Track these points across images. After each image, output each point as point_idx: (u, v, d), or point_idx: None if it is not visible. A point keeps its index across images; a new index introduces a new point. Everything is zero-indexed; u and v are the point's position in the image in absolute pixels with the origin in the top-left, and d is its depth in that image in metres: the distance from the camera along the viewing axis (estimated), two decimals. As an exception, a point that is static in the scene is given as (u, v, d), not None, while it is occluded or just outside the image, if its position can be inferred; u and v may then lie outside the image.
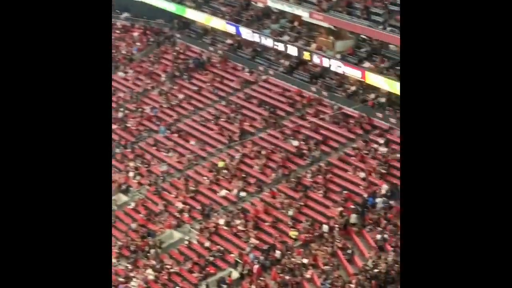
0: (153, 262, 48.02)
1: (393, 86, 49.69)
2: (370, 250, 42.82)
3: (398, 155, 48.25)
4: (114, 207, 52.25)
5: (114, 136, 59.21)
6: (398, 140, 49.39)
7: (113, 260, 48.24)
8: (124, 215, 52.27)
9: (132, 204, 53.03)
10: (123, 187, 54.74)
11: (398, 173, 46.82)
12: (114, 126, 60.03)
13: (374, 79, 51.35)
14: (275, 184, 49.81)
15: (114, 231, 50.72)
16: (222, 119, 56.93)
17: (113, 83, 65.07)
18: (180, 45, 67.37)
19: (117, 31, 71.63)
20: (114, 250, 49.27)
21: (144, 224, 50.73)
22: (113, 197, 53.38)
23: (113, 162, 56.59)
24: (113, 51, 68.23)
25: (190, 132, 57.53)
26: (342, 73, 53.81)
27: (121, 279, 47.89)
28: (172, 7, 66.76)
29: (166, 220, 50.54)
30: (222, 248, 47.03)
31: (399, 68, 50.93)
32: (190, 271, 46.90)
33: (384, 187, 46.02)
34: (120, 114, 61.15)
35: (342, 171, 49.00)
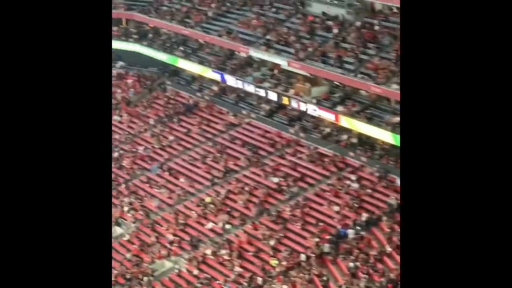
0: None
1: (363, 128, 50.10)
2: (344, 277, 42.80)
3: (369, 191, 48.65)
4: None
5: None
6: (369, 177, 49.76)
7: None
8: (119, 246, 51.82)
9: (127, 236, 52.63)
10: (119, 220, 54.40)
11: (369, 207, 47.22)
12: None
13: (347, 122, 51.66)
14: (257, 218, 49.66)
15: None
16: (209, 159, 56.77)
17: None
18: (170, 91, 67.37)
19: (113, 78, 71.62)
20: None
21: (137, 254, 50.37)
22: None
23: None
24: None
25: (180, 171, 57.28)
26: (318, 116, 53.98)
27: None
28: (163, 57, 67.10)
29: (158, 251, 50.19)
30: (209, 276, 46.73)
31: (369, 111, 51.49)
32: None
33: (357, 219, 46.20)
34: (116, 154, 61.03)
35: (318, 205, 48.71)
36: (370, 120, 50.62)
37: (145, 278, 48.35)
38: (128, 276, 49.10)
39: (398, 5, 50.94)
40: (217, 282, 46.27)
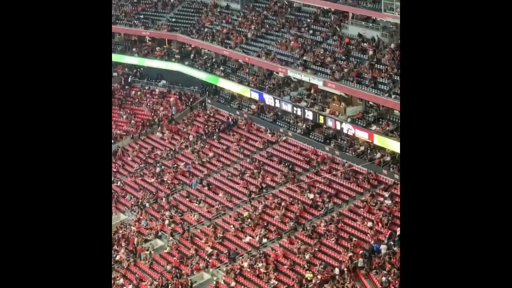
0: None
1: (396, 147, 50.08)
2: None
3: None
4: (151, 251, 52.74)
5: (151, 189, 59.78)
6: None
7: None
8: (160, 258, 52.08)
9: (167, 249, 52.78)
10: (160, 233, 54.62)
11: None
12: (151, 180, 60.65)
13: (380, 140, 51.79)
14: (293, 232, 49.82)
15: (151, 272, 51.08)
16: (246, 175, 56.97)
17: (152, 142, 65.69)
18: (211, 109, 67.49)
19: (156, 96, 71.98)
20: None
21: (177, 266, 50.48)
22: (150, 242, 53.87)
23: (151, 211, 57.12)
24: (151, 114, 68.83)
25: (219, 186, 57.34)
26: (352, 135, 53.94)
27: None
28: (204, 76, 67.33)
29: (197, 263, 50.33)
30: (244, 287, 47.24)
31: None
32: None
33: (389, 235, 46.16)
34: (157, 169, 61.37)
35: (352, 221, 48.75)
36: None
37: None
38: (168, 287, 49.34)
39: None
40: None
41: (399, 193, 49.41)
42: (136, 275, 51.34)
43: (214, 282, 49.06)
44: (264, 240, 50.23)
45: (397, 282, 42.32)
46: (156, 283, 49.80)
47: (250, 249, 50.27)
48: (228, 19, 69.12)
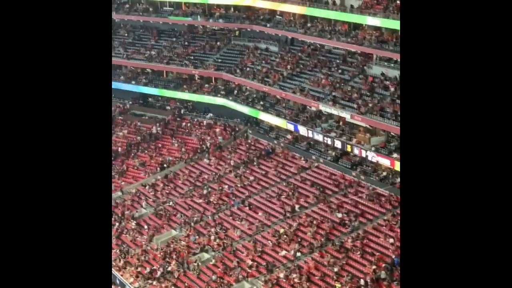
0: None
1: None
2: None
3: None
4: (199, 263, 53.01)
5: (199, 208, 60.08)
6: None
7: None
8: (206, 269, 52.10)
9: (213, 261, 52.82)
10: (206, 247, 54.71)
11: None
12: (199, 200, 61.00)
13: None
14: (323, 247, 49.74)
15: (198, 282, 51.04)
16: (283, 196, 56.95)
17: (200, 167, 65.91)
18: (252, 139, 67.73)
19: (203, 127, 72.28)
20: None
21: (221, 276, 50.49)
22: (198, 255, 53.98)
23: (199, 228, 57.31)
24: (199, 142, 69.21)
25: (258, 206, 57.38)
26: (376, 162, 53.89)
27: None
28: (246, 110, 67.72)
29: (238, 274, 50.32)
30: None
31: None
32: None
33: None
34: (205, 191, 61.65)
35: (375, 237, 48.50)
36: None
37: None
38: None
39: None
40: None
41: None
42: (186, 284, 51.34)
43: None
44: (298, 254, 50.09)
45: None
46: None
47: (285, 261, 50.04)
48: (267, 60, 69.44)
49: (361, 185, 54.86)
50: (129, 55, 78.67)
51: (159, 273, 53.50)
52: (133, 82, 77.81)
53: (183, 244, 55.67)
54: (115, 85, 78.41)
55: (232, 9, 74.03)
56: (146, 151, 71.05)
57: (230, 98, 70.25)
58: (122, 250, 57.47)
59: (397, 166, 51.60)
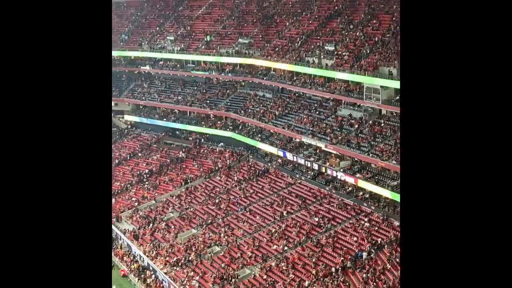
0: None
1: (373, 188, 49.91)
2: (360, 284, 42.47)
3: (376, 228, 48.17)
4: (212, 254, 52.64)
5: (212, 213, 59.82)
6: (376, 220, 49.24)
7: (210, 286, 48.77)
8: (217, 259, 51.84)
9: (222, 253, 52.46)
10: (217, 242, 54.37)
11: (376, 238, 46.74)
12: (213, 207, 60.72)
13: (361, 184, 51.61)
14: (304, 243, 49.51)
15: (211, 268, 50.83)
16: (274, 205, 56.70)
17: (213, 183, 65.62)
18: (252, 162, 67.29)
19: (216, 153, 72.13)
20: (210, 279, 49.65)
21: (228, 264, 50.22)
22: (211, 248, 53.78)
23: (212, 228, 57.05)
24: (213, 164, 69.18)
25: (256, 212, 57.03)
26: (344, 180, 53.71)
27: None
28: (248, 140, 67.73)
29: (241, 262, 50.14)
30: (273, 280, 46.64)
31: (376, 177, 51.25)
32: (254, 292, 46.92)
33: (369, 246, 45.86)
34: (217, 200, 61.42)
35: (343, 236, 48.28)
36: (377, 183, 50.56)
37: (233, 280, 48.44)
38: (223, 277, 49.24)
39: (398, 111, 51.07)
40: (278, 284, 46.25)
41: (375, 218, 49.21)
42: (201, 270, 51.18)
43: (252, 275, 48.64)
44: (286, 248, 49.78)
45: (373, 277, 42.00)
46: (215, 275, 49.64)
47: (276, 253, 49.76)
48: (263, 104, 69.53)
49: (333, 197, 54.59)
50: (162, 99, 78.92)
51: (182, 261, 53.31)
52: (164, 119, 78.06)
53: (200, 240, 55.54)
54: (151, 121, 78.83)
55: (238, 66, 74.02)
56: (173, 170, 70.97)
57: (236, 131, 70.03)
58: (154, 244, 57.25)
59: (360, 183, 51.55)
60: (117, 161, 74.56)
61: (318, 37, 65.42)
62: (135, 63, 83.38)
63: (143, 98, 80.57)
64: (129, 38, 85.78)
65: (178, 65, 79.46)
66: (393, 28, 58.54)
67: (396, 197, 46.72)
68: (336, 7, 68.48)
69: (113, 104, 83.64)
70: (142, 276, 53.53)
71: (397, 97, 52.06)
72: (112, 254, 57.60)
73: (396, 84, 51.01)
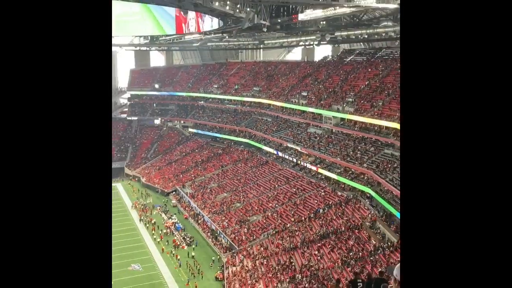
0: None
1: (326, 173, 49.04)
2: (318, 227, 41.24)
3: (328, 195, 46.70)
4: (234, 207, 51.35)
5: (235, 184, 59.01)
6: (329, 191, 48.22)
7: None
8: (238, 210, 50.63)
9: (241, 207, 50.90)
10: (238, 201, 53.08)
11: (328, 201, 46.01)
12: (236, 181, 59.31)
13: (321, 171, 49.86)
14: (287, 203, 48.25)
15: (234, 215, 50.13)
16: (271, 181, 55.30)
17: (236, 167, 64.45)
18: (259, 157, 65.65)
19: (239, 151, 71.26)
20: (234, 221, 48.65)
21: (244, 213, 49.37)
22: (234, 204, 52.82)
23: (235, 192, 56.21)
24: (238, 158, 69.08)
25: (260, 184, 55.89)
26: (310, 168, 52.12)
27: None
28: (257, 145, 66.09)
29: (251, 212, 48.95)
30: (268, 223, 45.63)
31: (329, 167, 50.28)
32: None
33: (323, 206, 45.20)
34: (239, 177, 60.73)
35: (309, 200, 47.77)
36: (329, 170, 49.72)
37: (246, 222, 46.98)
38: (241, 220, 47.89)
39: (343, 130, 50.67)
40: (271, 225, 44.91)
41: (327, 190, 48.94)
42: (229, 216, 50.54)
43: (258, 220, 46.91)
44: (276, 205, 48.22)
45: (326, 223, 40.88)
46: (236, 219, 48.54)
47: (271, 208, 48.50)
48: (266, 124, 68.85)
49: (304, 177, 53.57)
50: (209, 120, 79.45)
51: (218, 211, 52.91)
52: (210, 131, 78.42)
53: (228, 199, 55.29)
54: (203, 132, 79.21)
55: (252, 103, 73.80)
56: (215, 160, 71.24)
57: (251, 139, 69.04)
58: (203, 201, 57.09)
59: (320, 170, 51.46)
60: (184, 154, 75.46)
61: (298, 88, 65.78)
62: (195, 99, 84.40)
63: (199, 119, 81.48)
64: (192, 86, 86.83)
65: (219, 101, 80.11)
66: (340, 83, 59.00)
67: (340, 178, 46.75)
68: (308, 71, 69.19)
69: (182, 122, 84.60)
70: (196, 219, 54.14)
71: (342, 122, 52.52)
72: (179, 205, 58.33)
73: (341, 115, 51.41)
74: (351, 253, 35.32)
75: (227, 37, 68.89)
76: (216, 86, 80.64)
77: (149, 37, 79.51)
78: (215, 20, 53.59)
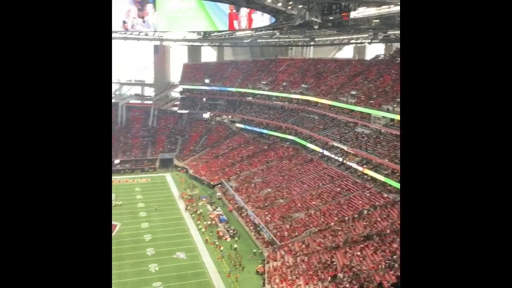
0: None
1: (373, 174, 47.91)
2: (361, 228, 40.82)
3: (373, 197, 46.12)
4: (277, 203, 51.63)
5: (279, 180, 59.23)
6: (375, 192, 47.12)
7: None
8: (281, 206, 50.99)
9: (284, 203, 51.16)
10: (282, 197, 53.79)
11: (373, 202, 45.05)
12: (280, 177, 59.56)
13: (367, 171, 49.06)
14: (331, 202, 47.93)
15: (277, 211, 50.43)
16: (315, 179, 55.05)
17: (282, 164, 64.83)
18: (304, 154, 65.19)
19: (285, 148, 71.64)
20: (276, 216, 48.79)
21: (287, 210, 49.66)
22: (277, 200, 52.80)
23: (279, 189, 56.54)
24: (283, 154, 69.00)
25: (304, 182, 56.15)
26: (356, 168, 51.58)
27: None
28: (303, 142, 65.99)
29: (294, 209, 49.13)
30: (311, 220, 45.62)
31: (375, 168, 49.26)
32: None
33: (368, 207, 44.52)
34: (283, 174, 61.03)
35: (354, 200, 47.10)
36: (376, 171, 48.71)
37: (289, 218, 46.85)
38: (283, 217, 48.09)
39: (393, 131, 49.27)
40: (313, 223, 44.98)
41: (373, 191, 48.05)
42: (272, 211, 50.46)
43: (300, 217, 46.98)
44: (319, 204, 48.07)
45: (370, 224, 40.29)
46: (279, 215, 48.86)
47: (314, 206, 48.21)
48: (313, 122, 67.92)
49: (349, 177, 52.99)
50: (256, 116, 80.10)
51: (261, 205, 53.26)
52: (257, 127, 79.01)
53: (272, 195, 55.33)
54: (250, 127, 79.95)
55: (300, 100, 73.40)
56: (260, 155, 71.83)
57: (296, 137, 68.89)
58: (247, 195, 57.58)
59: (365, 171, 50.58)
60: (230, 148, 76.79)
61: (347, 86, 64.71)
62: (243, 95, 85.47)
63: (247, 114, 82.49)
64: (241, 81, 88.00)
65: (266, 98, 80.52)
66: (391, 83, 57.39)
67: (387, 180, 45.82)
68: (358, 70, 67.82)
69: (230, 117, 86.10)
70: (239, 212, 55.07)
71: (391, 123, 51.17)
72: (224, 198, 59.55)
73: (391, 115, 50.14)
74: (394, 257, 34.43)
75: (277, 33, 69.19)
76: (264, 82, 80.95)
77: (202, 33, 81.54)
78: (266, 16, 54.02)
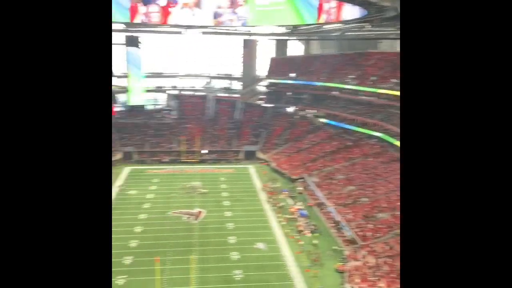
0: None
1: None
2: None
3: None
4: (360, 202, 50.60)
5: (363, 178, 57.68)
6: None
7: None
8: (364, 205, 50.08)
9: (368, 202, 50.16)
10: (366, 196, 52.68)
11: None
12: (364, 175, 58.25)
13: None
14: None
15: (360, 209, 49.30)
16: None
17: (365, 162, 62.97)
18: (390, 152, 63.12)
19: (369, 146, 69.78)
20: (360, 216, 48.21)
21: (370, 209, 48.34)
22: (360, 198, 52.02)
23: (364, 187, 55.00)
24: (366, 152, 67.15)
25: (388, 181, 53.90)
26: None
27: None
28: (391, 139, 64.24)
29: (378, 209, 48.15)
30: (396, 222, 44.04)
31: None
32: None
33: None
34: (367, 172, 59.74)
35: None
36: None
37: (372, 218, 46.02)
38: (367, 216, 47.17)
39: None
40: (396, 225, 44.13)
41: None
42: (354, 210, 49.47)
43: (384, 218, 45.70)
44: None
45: None
46: (362, 214, 47.92)
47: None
48: None
49: None
50: (342, 111, 78.31)
51: (344, 203, 52.47)
52: (342, 122, 77.42)
53: (355, 193, 54.19)
54: (334, 123, 78.57)
55: (390, 95, 70.07)
56: (343, 152, 70.44)
57: (384, 134, 66.13)
58: (329, 191, 57.15)
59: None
60: (313, 143, 76.60)
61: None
62: (329, 89, 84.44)
63: (332, 109, 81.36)
64: (328, 76, 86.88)
65: (353, 92, 78.56)
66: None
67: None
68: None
69: (314, 111, 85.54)
70: (320, 207, 54.83)
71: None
72: (305, 193, 59.67)
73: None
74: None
75: (368, 26, 66.62)
76: (352, 76, 78.88)
77: (291, 27, 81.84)
78: (356, 8, 52.36)
